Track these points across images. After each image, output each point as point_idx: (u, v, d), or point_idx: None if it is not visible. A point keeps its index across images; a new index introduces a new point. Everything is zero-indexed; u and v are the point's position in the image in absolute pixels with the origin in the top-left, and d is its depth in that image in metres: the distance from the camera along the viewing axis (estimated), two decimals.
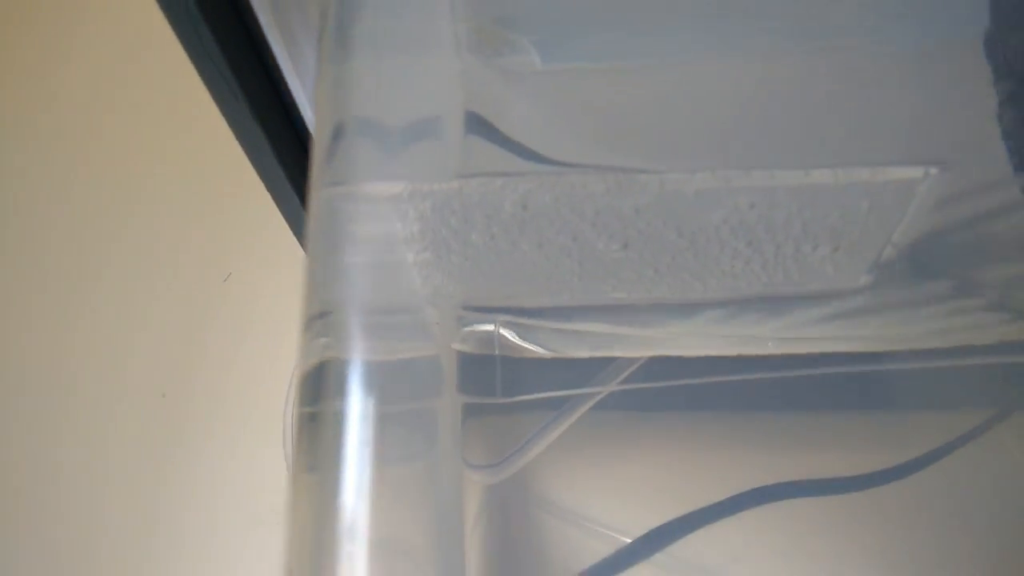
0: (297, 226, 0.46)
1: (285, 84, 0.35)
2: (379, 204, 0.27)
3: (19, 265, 0.70)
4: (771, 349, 0.39)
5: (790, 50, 0.29)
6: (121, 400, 0.62)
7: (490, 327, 0.42)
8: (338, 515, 0.20)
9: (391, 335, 0.27)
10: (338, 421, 0.21)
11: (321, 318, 0.23)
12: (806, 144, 0.29)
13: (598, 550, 0.43)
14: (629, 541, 0.44)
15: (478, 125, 0.32)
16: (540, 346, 0.43)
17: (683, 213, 0.31)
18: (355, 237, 0.24)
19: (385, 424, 0.22)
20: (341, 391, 0.22)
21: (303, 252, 0.28)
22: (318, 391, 0.22)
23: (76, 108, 0.78)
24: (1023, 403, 0.41)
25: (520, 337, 0.42)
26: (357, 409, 0.21)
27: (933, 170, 0.28)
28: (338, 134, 0.25)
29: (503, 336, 0.42)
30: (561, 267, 0.35)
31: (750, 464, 0.46)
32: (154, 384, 0.62)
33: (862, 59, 0.28)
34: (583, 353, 0.43)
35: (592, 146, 0.32)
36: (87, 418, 0.62)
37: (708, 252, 0.33)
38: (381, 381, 0.23)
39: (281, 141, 0.36)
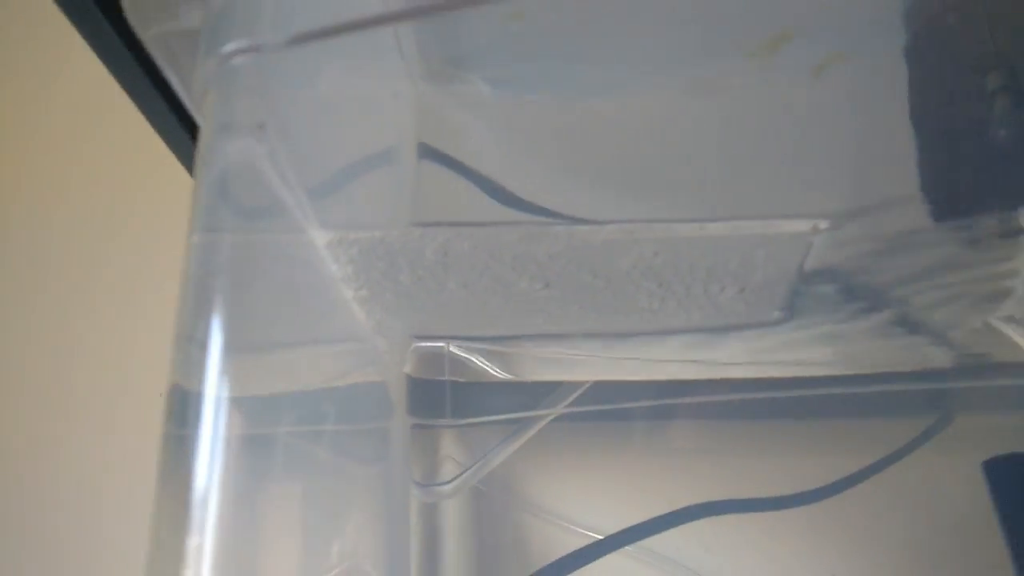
0: None
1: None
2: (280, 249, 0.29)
3: (18, 264, 0.71)
4: (705, 375, 0.41)
5: (689, 94, 0.30)
6: (119, 400, 0.64)
7: (440, 352, 0.44)
8: (173, 542, 0.22)
9: (268, 367, 0.29)
10: (174, 445, 0.23)
11: (176, 344, 0.25)
12: (702, 195, 0.30)
13: (570, 544, 0.46)
14: (600, 537, 0.47)
15: (432, 154, 0.33)
16: (489, 369, 0.45)
17: (594, 259, 0.32)
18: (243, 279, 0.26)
19: (243, 450, 0.24)
20: (178, 417, 0.24)
21: None
22: (166, 413, 0.24)
23: (77, 106, 0.79)
24: (963, 410, 0.43)
25: (470, 361, 0.44)
26: (197, 435, 0.23)
27: (822, 224, 0.29)
28: (232, 174, 0.26)
29: (453, 360, 0.44)
30: (490, 304, 0.37)
31: (706, 469, 0.48)
32: (153, 384, 0.64)
33: (757, 105, 0.30)
34: (531, 377, 0.45)
35: (536, 180, 0.33)
36: (86, 417, 0.63)
37: (624, 292, 0.34)
38: (238, 408, 0.25)
39: None
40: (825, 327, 0.37)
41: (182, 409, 0.24)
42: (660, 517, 0.45)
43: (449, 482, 0.42)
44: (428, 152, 0.33)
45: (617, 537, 0.46)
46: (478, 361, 0.45)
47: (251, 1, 0.23)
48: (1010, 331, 0.34)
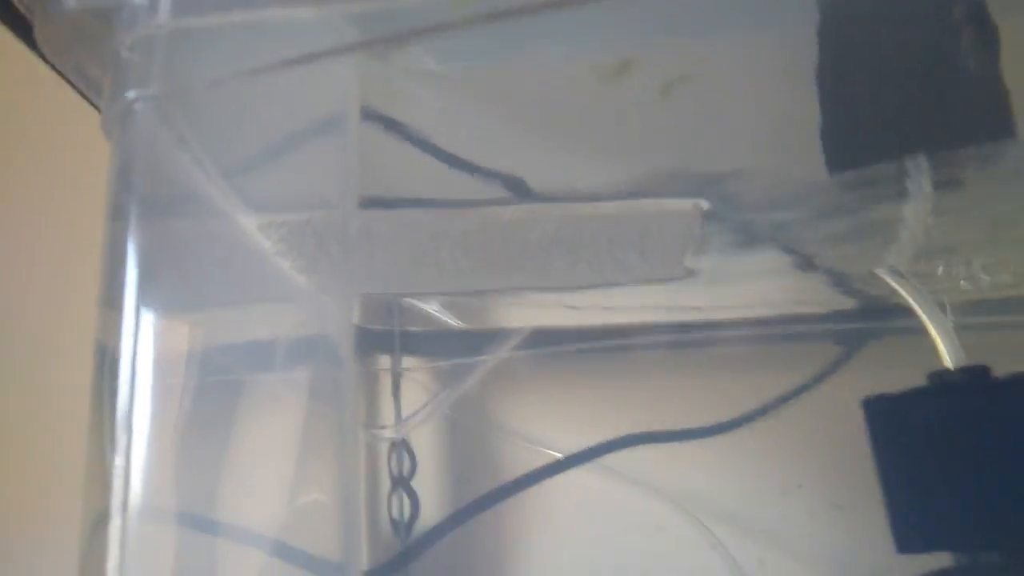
0: None
1: None
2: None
3: (15, 258, 0.73)
4: (628, 319, 0.44)
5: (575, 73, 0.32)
6: None
7: (389, 302, 0.48)
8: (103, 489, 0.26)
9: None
10: (96, 395, 0.27)
11: (98, 309, 0.28)
12: (596, 174, 0.33)
13: (531, 463, 0.50)
14: (560, 456, 0.51)
15: (376, 120, 0.36)
16: (438, 316, 0.48)
17: (504, 234, 0.35)
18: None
19: (181, 394, 0.28)
20: (99, 371, 0.27)
21: None
22: (92, 369, 0.28)
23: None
24: (866, 344, 0.46)
25: (417, 309, 0.48)
26: (116, 385, 0.26)
27: (703, 204, 0.32)
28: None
29: (401, 310, 0.48)
30: (418, 272, 0.40)
31: (650, 396, 0.52)
32: None
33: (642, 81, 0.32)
34: (475, 326, 0.48)
35: (472, 143, 0.36)
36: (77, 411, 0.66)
37: (537, 258, 0.37)
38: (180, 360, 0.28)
39: None
40: (728, 274, 0.40)
41: (101, 363, 0.28)
42: (603, 444, 0.50)
43: (403, 423, 0.46)
44: (369, 120, 0.35)
45: (572, 458, 0.50)
46: (426, 309, 0.48)
47: (152, 49, 0.25)
48: (892, 280, 0.37)
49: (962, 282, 0.41)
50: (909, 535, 0.34)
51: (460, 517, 0.47)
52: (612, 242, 0.35)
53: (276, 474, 0.40)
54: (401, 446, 0.53)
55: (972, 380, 0.35)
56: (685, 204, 0.31)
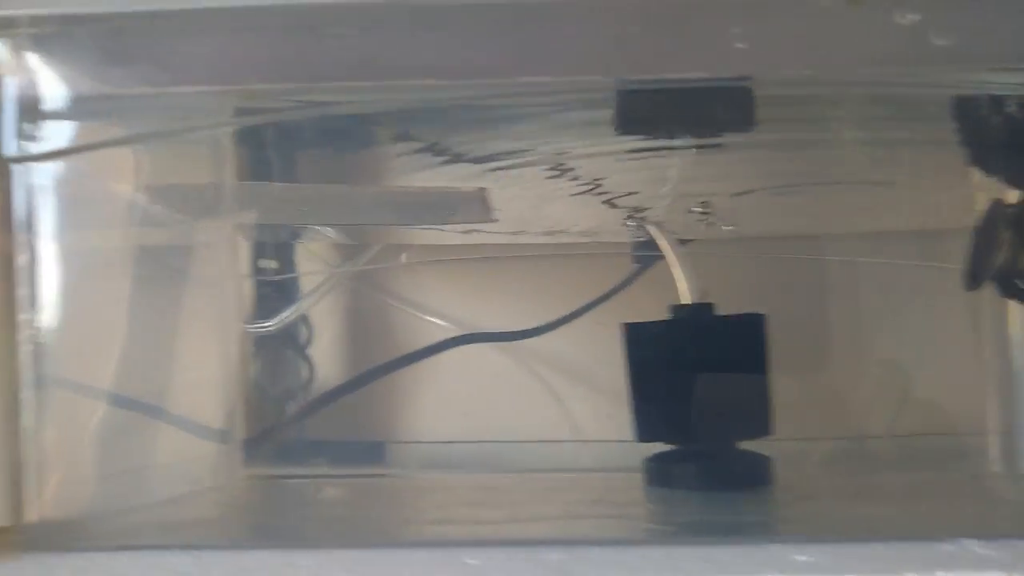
0: None
1: None
2: None
3: None
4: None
5: None
6: None
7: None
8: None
9: None
10: None
11: None
12: None
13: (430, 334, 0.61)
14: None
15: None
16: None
17: (339, 196, 0.45)
18: None
19: None
20: None
21: None
22: None
23: None
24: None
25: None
26: None
27: (485, 188, 0.42)
28: None
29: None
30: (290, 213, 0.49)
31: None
32: None
33: None
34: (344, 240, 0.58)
35: None
36: None
37: (371, 210, 0.47)
38: None
39: None
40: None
41: None
42: (446, 340, 0.60)
43: (276, 321, 0.57)
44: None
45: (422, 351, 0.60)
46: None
47: None
48: (649, 227, 0.48)
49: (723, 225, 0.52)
50: (644, 429, 0.46)
51: (336, 392, 0.58)
52: (424, 206, 0.45)
53: (168, 356, 0.50)
54: (300, 319, 0.63)
55: (697, 316, 0.46)
56: (471, 187, 0.41)
